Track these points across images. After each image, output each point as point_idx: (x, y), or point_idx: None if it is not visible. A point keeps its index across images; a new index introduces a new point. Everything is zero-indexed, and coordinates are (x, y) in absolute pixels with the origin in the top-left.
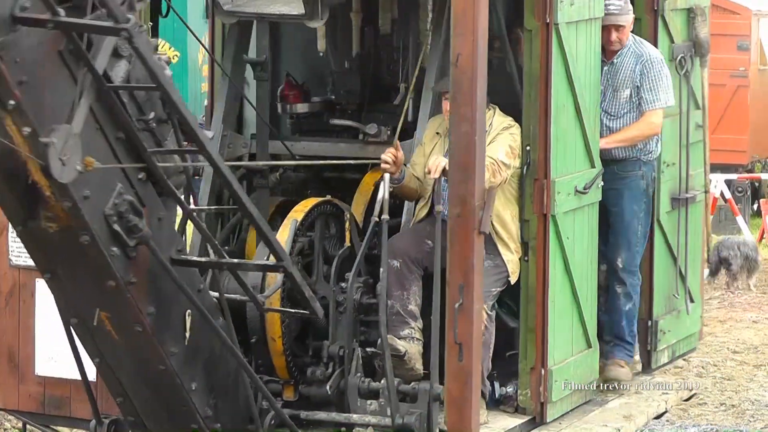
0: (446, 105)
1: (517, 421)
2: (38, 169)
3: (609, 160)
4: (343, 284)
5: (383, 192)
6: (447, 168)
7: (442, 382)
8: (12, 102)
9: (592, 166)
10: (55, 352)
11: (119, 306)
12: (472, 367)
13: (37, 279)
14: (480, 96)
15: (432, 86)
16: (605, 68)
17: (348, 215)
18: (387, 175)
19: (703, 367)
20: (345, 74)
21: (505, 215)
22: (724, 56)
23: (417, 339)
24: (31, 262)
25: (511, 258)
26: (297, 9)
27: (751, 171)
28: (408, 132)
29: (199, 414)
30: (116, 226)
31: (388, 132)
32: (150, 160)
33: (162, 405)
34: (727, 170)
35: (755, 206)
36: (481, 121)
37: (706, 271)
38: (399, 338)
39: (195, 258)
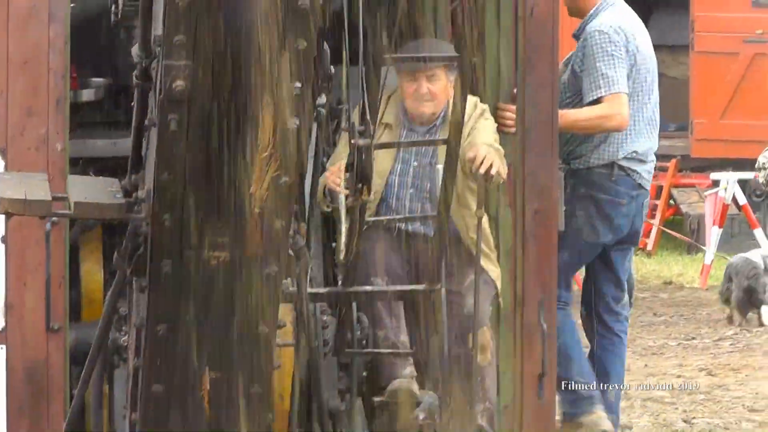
0: (414, 87)
1: None
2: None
3: None
4: (324, 317)
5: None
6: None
7: None
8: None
9: None
10: None
11: (249, 361)
12: (553, 401)
13: None
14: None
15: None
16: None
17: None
18: (342, 196)
19: (710, 431)
20: None
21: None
22: (734, 16)
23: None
24: None
25: (496, 272)
26: None
27: None
28: None
29: None
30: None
31: None
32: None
33: None
34: (742, 167)
35: None
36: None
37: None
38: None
39: None
